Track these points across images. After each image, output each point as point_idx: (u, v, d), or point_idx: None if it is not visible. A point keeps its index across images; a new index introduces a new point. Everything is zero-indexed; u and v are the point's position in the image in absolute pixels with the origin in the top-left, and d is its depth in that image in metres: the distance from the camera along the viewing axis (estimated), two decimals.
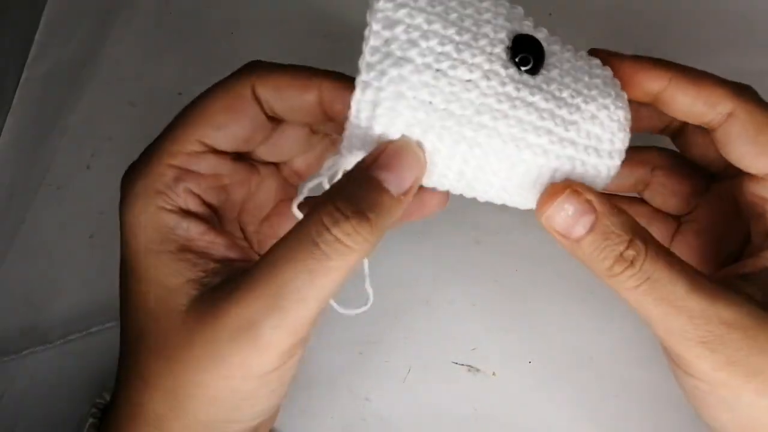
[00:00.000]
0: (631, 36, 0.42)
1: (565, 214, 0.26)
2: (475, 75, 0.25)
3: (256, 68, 0.30)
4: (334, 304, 0.29)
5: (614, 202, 0.27)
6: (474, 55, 0.25)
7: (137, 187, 0.28)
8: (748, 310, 0.26)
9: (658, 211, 0.34)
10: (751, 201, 0.29)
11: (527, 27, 0.27)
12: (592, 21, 0.43)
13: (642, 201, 0.34)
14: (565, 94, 0.26)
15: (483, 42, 0.26)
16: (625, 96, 0.28)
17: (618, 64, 0.29)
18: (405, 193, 0.25)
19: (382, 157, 0.25)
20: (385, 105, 0.25)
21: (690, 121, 0.29)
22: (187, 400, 0.27)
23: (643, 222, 0.32)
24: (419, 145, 0.26)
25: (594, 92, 0.27)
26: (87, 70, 0.46)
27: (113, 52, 0.46)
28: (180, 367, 0.26)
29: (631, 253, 0.25)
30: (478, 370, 0.36)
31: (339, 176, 0.28)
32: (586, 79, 0.27)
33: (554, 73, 0.27)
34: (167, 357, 0.27)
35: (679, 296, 0.25)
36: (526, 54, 0.26)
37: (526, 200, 0.28)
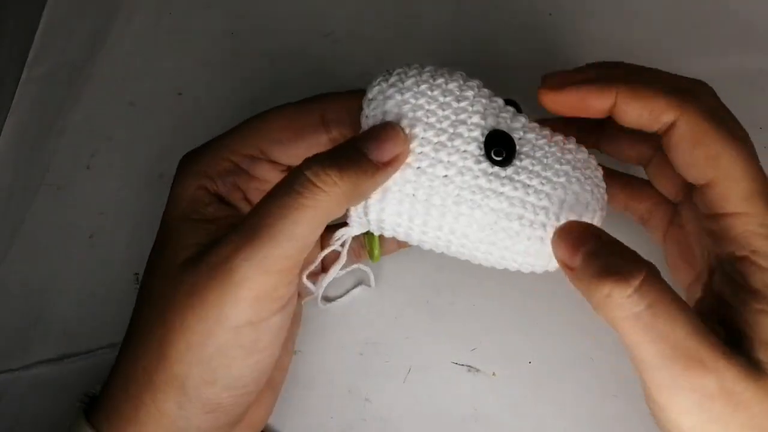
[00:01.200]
0: (631, 36, 0.42)
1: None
2: (451, 171, 0.29)
3: (327, 97, 0.33)
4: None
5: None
6: (450, 154, 0.29)
7: (192, 167, 0.32)
8: (747, 379, 0.26)
9: (660, 196, 0.34)
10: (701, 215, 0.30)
11: (504, 119, 0.30)
12: (592, 21, 0.43)
13: (648, 184, 0.35)
14: (534, 182, 0.29)
15: (458, 141, 0.29)
16: (600, 174, 0.31)
17: (563, 98, 0.30)
18: (384, 163, 0.28)
19: (367, 131, 0.29)
20: (375, 197, 0.30)
21: (644, 130, 0.30)
22: (169, 349, 0.28)
23: (647, 205, 0.33)
24: (403, 129, 0.29)
25: (562, 179, 0.30)
26: (87, 70, 0.46)
27: (113, 52, 0.46)
28: (166, 315, 0.28)
29: (632, 275, 0.25)
30: (478, 370, 0.36)
31: (347, 244, 0.33)
32: (557, 166, 0.30)
33: (526, 162, 0.29)
34: (158, 307, 0.29)
35: (678, 337, 0.25)
36: (498, 148, 0.29)
37: (512, 263, 0.31)
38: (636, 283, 0.25)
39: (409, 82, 0.30)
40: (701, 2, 0.43)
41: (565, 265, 0.28)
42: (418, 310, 0.37)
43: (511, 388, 0.36)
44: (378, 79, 0.30)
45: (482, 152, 0.29)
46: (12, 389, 0.38)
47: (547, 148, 0.30)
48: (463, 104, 0.30)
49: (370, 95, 0.30)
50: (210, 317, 0.27)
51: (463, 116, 0.29)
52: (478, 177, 0.29)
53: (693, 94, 0.29)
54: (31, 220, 0.42)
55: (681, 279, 0.33)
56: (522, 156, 0.29)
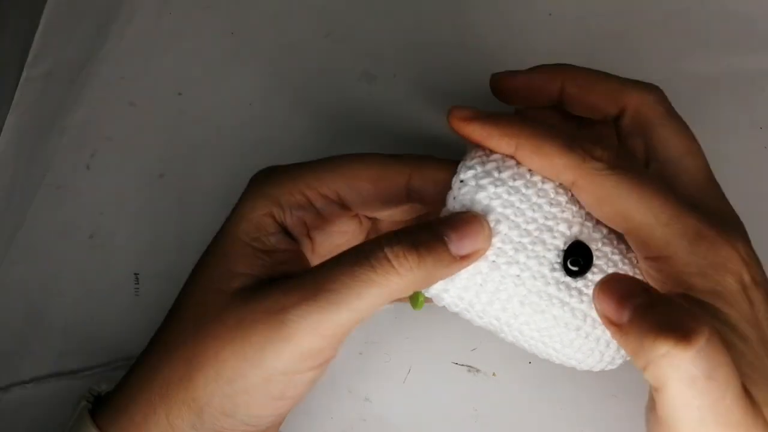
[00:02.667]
0: (632, 36, 0.42)
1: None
2: (525, 274, 0.28)
3: (418, 161, 0.32)
4: None
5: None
6: (528, 257, 0.28)
7: (265, 189, 0.31)
8: None
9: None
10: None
11: (587, 228, 0.30)
12: (592, 21, 0.43)
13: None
14: None
15: (539, 247, 0.29)
16: None
17: (470, 130, 0.29)
18: (462, 257, 0.27)
19: (453, 219, 0.28)
20: (443, 281, 0.29)
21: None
22: (196, 373, 0.28)
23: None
24: (489, 223, 0.28)
25: None
26: (87, 70, 0.46)
27: (113, 52, 0.46)
28: (202, 337, 0.28)
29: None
30: (478, 370, 0.36)
31: None
32: None
33: (598, 276, 0.29)
34: (196, 326, 0.28)
35: (726, 406, 0.24)
36: (575, 258, 0.29)
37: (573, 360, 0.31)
38: (700, 343, 0.23)
39: (506, 174, 0.29)
40: (701, 2, 0.43)
41: (609, 322, 0.25)
42: (418, 310, 0.37)
43: (511, 388, 0.36)
44: (474, 161, 0.29)
45: (560, 260, 0.29)
46: (12, 389, 0.38)
47: (620, 265, 0.30)
48: (554, 210, 0.29)
49: (462, 176, 0.29)
50: (247, 358, 0.27)
51: (551, 222, 0.29)
52: (549, 284, 0.29)
53: (589, 146, 0.28)
54: (31, 220, 0.42)
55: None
56: (595, 269, 0.29)
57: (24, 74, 0.46)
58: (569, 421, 0.35)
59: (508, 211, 0.28)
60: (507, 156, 0.29)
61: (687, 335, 0.23)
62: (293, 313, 0.26)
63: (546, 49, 0.43)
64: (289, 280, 0.28)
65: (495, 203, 0.28)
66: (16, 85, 0.46)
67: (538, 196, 0.29)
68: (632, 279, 0.26)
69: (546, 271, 0.29)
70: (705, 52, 0.42)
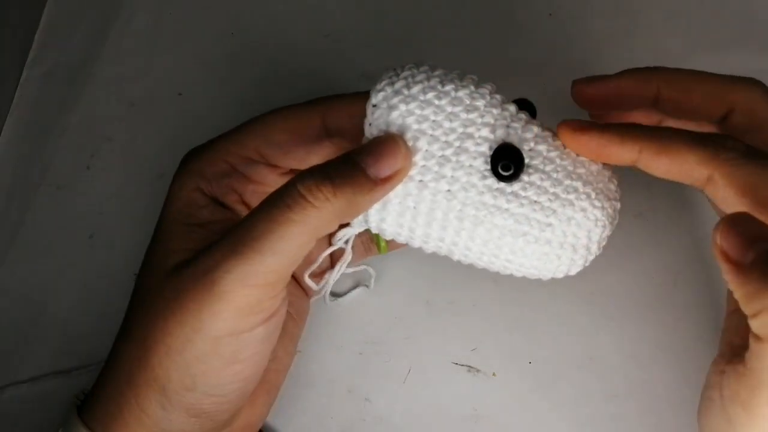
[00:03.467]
0: (632, 37, 0.42)
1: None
2: (455, 187, 0.28)
3: (330, 101, 0.32)
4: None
5: None
6: (454, 169, 0.28)
7: (190, 166, 0.32)
8: None
9: None
10: None
11: (515, 129, 0.29)
12: (592, 21, 0.43)
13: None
14: (542, 199, 0.28)
15: (463, 157, 0.28)
16: (613, 186, 0.30)
17: (585, 140, 0.28)
18: (383, 180, 0.27)
19: (367, 144, 0.28)
20: (375, 207, 0.28)
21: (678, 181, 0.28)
22: (149, 352, 0.28)
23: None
24: (406, 142, 0.28)
25: (572, 196, 0.28)
26: (87, 70, 0.46)
27: (113, 52, 0.46)
28: (149, 318, 0.28)
29: None
30: (478, 370, 0.36)
31: (351, 242, 0.33)
32: (567, 182, 0.29)
33: (534, 177, 0.28)
34: (143, 309, 0.29)
35: None
36: (505, 163, 0.28)
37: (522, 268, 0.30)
38: None
39: (415, 90, 0.28)
40: (702, 2, 0.43)
41: (727, 259, 0.24)
42: (418, 310, 0.37)
43: (511, 388, 0.36)
44: (383, 83, 0.28)
45: (488, 167, 0.28)
46: (12, 389, 0.38)
47: (558, 161, 0.29)
48: (472, 116, 0.28)
49: (374, 100, 0.28)
50: (188, 325, 0.27)
51: (471, 129, 0.28)
52: (482, 193, 0.28)
53: (722, 139, 0.27)
54: (31, 220, 0.42)
55: None
56: (531, 170, 0.28)
57: (24, 74, 0.46)
58: (569, 421, 0.35)
59: (425, 126, 0.28)
60: (627, 164, 0.28)
61: None
62: (220, 270, 0.26)
63: (546, 49, 0.43)
64: (214, 242, 0.28)
65: (409, 120, 0.28)
66: (16, 86, 0.46)
67: (453, 105, 0.28)
68: (763, 224, 0.25)
69: (476, 180, 0.28)
70: (705, 53, 0.42)
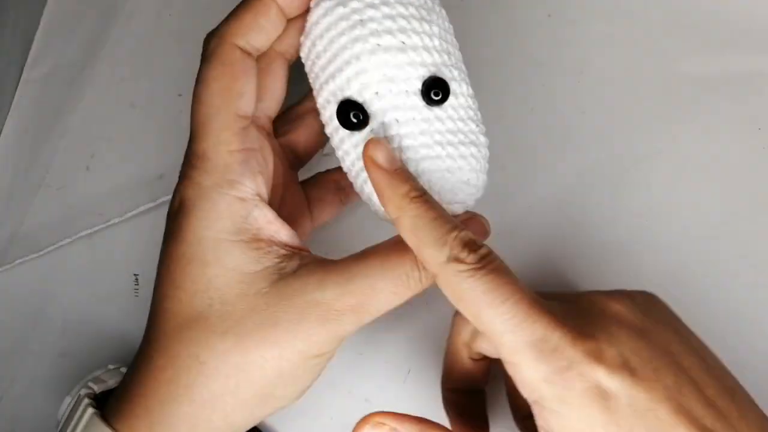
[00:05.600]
0: (631, 37, 0.42)
1: None
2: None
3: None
4: None
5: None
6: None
7: (205, 182, 0.29)
8: None
9: None
10: None
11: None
12: (592, 21, 0.43)
13: None
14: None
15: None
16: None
17: (376, 172, 0.28)
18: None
19: None
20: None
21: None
22: (242, 375, 0.28)
23: None
24: None
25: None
26: (87, 71, 0.46)
27: (113, 53, 0.46)
28: (252, 344, 0.28)
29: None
30: None
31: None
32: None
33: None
34: (239, 336, 0.28)
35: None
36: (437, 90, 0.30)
37: None
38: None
39: None
40: (700, 2, 0.43)
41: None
42: (418, 310, 0.37)
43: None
44: None
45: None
46: (12, 390, 0.38)
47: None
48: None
49: None
50: (291, 349, 0.29)
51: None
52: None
53: (459, 248, 0.28)
54: (31, 220, 0.42)
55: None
56: (452, 96, 0.31)
57: (24, 75, 0.46)
58: None
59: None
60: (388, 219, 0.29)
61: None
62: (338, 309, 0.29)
63: (545, 50, 0.43)
64: (332, 276, 0.29)
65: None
66: (16, 87, 0.46)
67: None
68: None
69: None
70: (704, 53, 0.42)
